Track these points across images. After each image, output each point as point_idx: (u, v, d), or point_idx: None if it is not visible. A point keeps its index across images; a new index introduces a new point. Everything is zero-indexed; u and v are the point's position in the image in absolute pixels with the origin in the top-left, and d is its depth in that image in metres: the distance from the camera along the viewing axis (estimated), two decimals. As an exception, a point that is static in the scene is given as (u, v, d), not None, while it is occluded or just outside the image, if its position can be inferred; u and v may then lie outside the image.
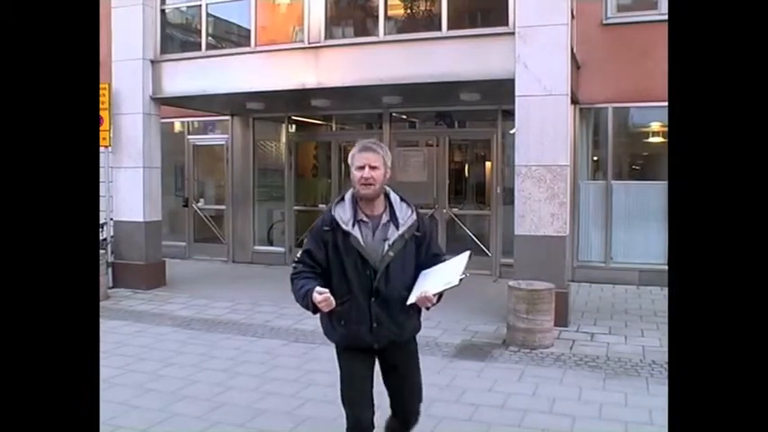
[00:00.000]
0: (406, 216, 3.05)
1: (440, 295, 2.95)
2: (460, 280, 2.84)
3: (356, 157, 3.01)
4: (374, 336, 3.07)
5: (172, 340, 6.82)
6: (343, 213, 3.02)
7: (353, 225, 3.00)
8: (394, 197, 3.11)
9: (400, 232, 3.01)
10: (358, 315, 3.04)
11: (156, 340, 6.82)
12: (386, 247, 2.99)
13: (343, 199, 3.07)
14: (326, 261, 3.04)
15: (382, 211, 3.06)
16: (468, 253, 3.02)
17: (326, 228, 3.02)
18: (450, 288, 2.86)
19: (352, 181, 3.01)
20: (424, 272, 3.07)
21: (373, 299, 3.01)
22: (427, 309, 3.03)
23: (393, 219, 3.04)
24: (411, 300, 2.96)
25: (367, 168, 2.96)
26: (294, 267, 3.09)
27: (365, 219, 3.03)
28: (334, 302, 2.85)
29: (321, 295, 2.83)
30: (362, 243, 2.98)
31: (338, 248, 3.00)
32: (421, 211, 3.25)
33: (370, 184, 2.97)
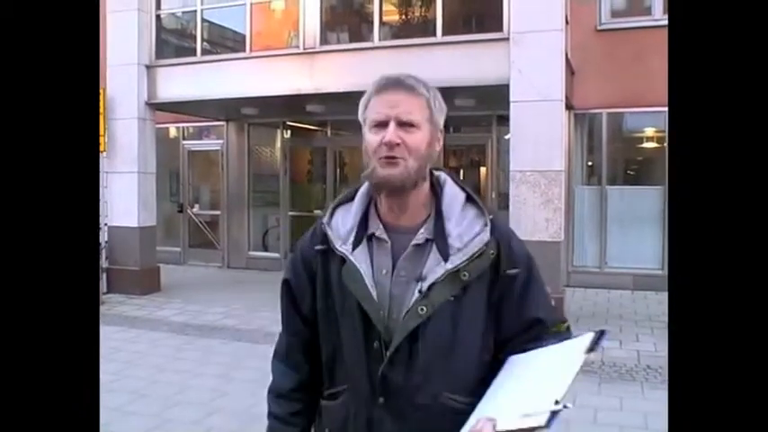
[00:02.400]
0: (469, 232, 1.48)
1: None
2: (553, 414, 1.22)
3: (372, 104, 1.50)
4: None
5: (166, 346, 6.80)
6: (342, 221, 1.55)
7: (356, 244, 1.51)
8: (451, 193, 1.54)
9: (451, 266, 1.44)
10: (350, 427, 1.54)
11: (151, 346, 6.80)
12: (414, 295, 1.45)
13: (351, 197, 1.58)
14: (314, 315, 1.60)
15: (423, 219, 1.52)
16: (590, 337, 1.32)
17: (315, 246, 1.57)
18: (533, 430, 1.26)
19: (365, 154, 1.51)
20: (512, 359, 1.48)
21: (381, 400, 1.48)
22: None
23: (439, 235, 1.48)
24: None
25: (392, 125, 1.44)
26: (280, 334, 1.72)
27: (380, 233, 1.51)
28: None
29: None
30: (368, 282, 1.47)
31: (329, 290, 1.55)
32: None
33: (397, 159, 1.44)
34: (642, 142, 10.27)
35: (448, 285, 1.45)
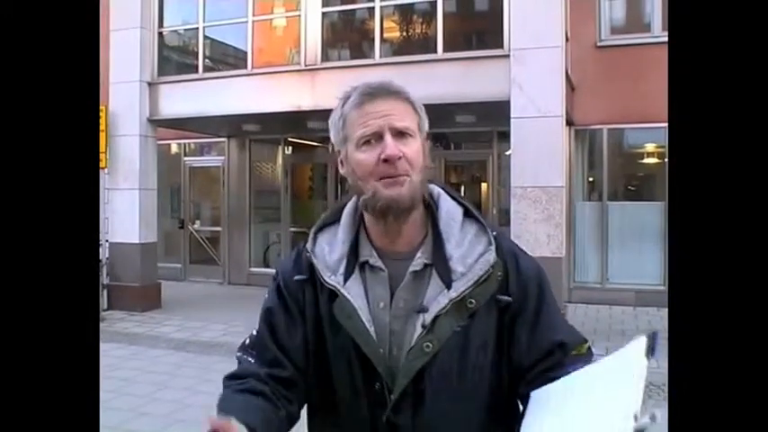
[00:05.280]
0: (472, 254, 1.29)
1: None
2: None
3: (353, 118, 1.32)
4: None
5: (166, 363, 6.78)
6: (329, 248, 1.36)
7: (347, 274, 1.32)
8: (448, 209, 1.35)
9: (455, 293, 1.26)
10: None
11: (151, 363, 6.77)
12: (417, 330, 1.26)
13: (336, 218, 1.39)
14: (305, 354, 1.36)
15: (419, 241, 1.33)
16: (642, 343, 1.12)
17: (296, 277, 1.37)
18: None
19: (355, 178, 1.31)
20: (540, 393, 1.25)
21: None
22: None
23: (439, 259, 1.30)
24: None
25: (389, 136, 1.26)
26: (239, 360, 1.41)
27: (374, 261, 1.33)
28: None
29: None
30: (363, 317, 1.28)
31: (320, 326, 1.35)
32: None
33: (403, 176, 1.26)
34: (643, 158, 10.29)
35: (454, 316, 1.26)
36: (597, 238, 10.00)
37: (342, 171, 1.35)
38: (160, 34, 9.88)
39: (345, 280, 1.31)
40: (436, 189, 1.38)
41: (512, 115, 7.38)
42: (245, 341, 1.42)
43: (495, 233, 1.33)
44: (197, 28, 9.78)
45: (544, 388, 1.24)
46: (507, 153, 8.36)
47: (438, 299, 1.26)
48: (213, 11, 9.81)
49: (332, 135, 1.37)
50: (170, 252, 12.63)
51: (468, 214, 1.35)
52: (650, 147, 10.09)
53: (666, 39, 1.48)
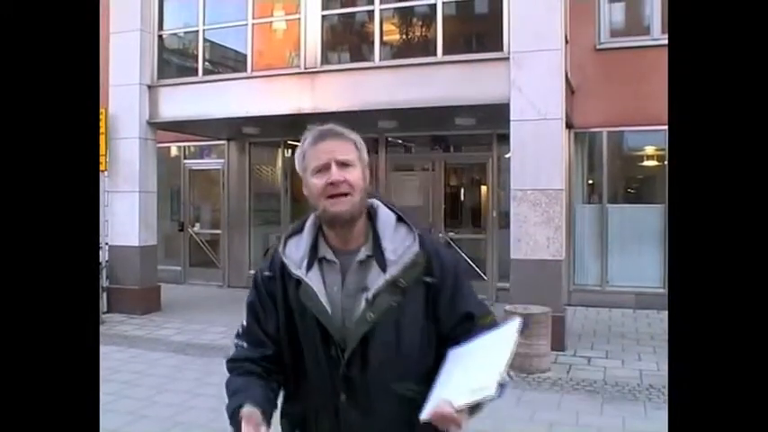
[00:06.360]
0: (401, 247, 1.74)
1: (472, 408, 1.53)
2: (501, 386, 1.49)
3: (310, 153, 1.76)
4: None
5: (166, 366, 6.77)
6: (295, 249, 1.80)
7: (309, 267, 1.76)
8: (384, 216, 1.81)
9: (389, 276, 1.70)
10: (318, 427, 1.79)
11: (150, 366, 6.76)
12: (362, 305, 1.70)
13: (300, 229, 1.84)
14: (278, 333, 1.81)
15: (363, 241, 1.78)
16: (517, 323, 1.63)
17: (270, 273, 1.82)
18: (486, 400, 1.50)
19: (312, 197, 1.76)
20: (453, 352, 1.71)
21: (344, 396, 1.73)
22: None
23: (377, 251, 1.75)
24: (424, 415, 1.57)
25: (334, 167, 1.71)
26: (236, 345, 1.86)
27: (329, 257, 1.77)
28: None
29: (248, 423, 1.58)
30: (322, 298, 1.72)
31: (290, 309, 1.78)
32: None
33: (345, 195, 1.71)
34: (642, 160, 10.29)
35: (389, 293, 1.70)
36: (597, 240, 10.00)
37: (305, 192, 1.79)
38: (160, 37, 9.89)
39: (307, 271, 1.76)
40: (376, 202, 1.84)
41: (511, 118, 7.38)
42: (238, 330, 1.87)
43: (419, 232, 1.78)
44: (197, 31, 9.78)
45: (456, 349, 1.70)
46: (507, 156, 8.35)
47: (377, 280, 1.71)
48: (213, 13, 9.81)
49: (296, 165, 1.82)
50: (170, 255, 12.62)
51: (399, 219, 1.81)
52: (650, 149, 10.10)
53: (666, 41, 1.48)
